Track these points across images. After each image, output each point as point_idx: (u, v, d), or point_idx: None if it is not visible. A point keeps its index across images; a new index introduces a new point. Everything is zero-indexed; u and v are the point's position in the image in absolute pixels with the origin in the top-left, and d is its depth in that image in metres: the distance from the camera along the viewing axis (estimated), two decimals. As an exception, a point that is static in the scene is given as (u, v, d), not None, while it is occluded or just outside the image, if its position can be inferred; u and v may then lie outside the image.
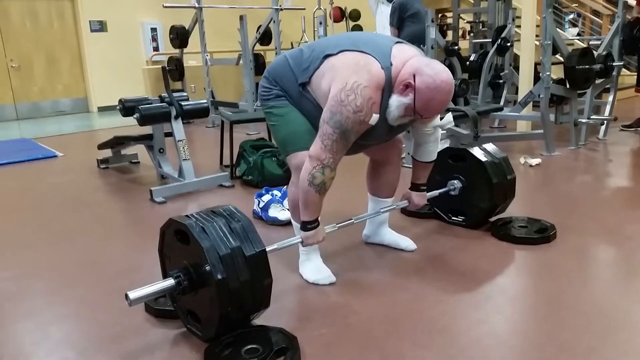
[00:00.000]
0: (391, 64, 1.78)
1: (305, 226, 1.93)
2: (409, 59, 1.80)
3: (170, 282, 1.56)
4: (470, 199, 2.54)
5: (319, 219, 1.96)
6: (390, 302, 1.90)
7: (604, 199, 3.16)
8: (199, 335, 1.63)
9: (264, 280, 1.57)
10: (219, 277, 1.47)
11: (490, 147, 2.60)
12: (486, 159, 2.49)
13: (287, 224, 2.76)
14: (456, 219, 2.65)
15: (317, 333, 1.70)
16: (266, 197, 2.89)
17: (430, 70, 1.74)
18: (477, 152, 2.52)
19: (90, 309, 1.96)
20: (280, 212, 2.81)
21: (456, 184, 2.56)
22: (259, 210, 2.89)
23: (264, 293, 1.59)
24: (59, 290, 2.13)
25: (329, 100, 1.78)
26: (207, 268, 1.48)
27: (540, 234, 2.42)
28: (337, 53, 1.84)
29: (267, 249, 1.61)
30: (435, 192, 2.50)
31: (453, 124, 2.23)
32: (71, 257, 2.48)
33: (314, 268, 2.11)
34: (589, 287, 1.99)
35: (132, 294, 1.50)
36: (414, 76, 1.74)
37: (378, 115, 1.79)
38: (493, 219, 2.60)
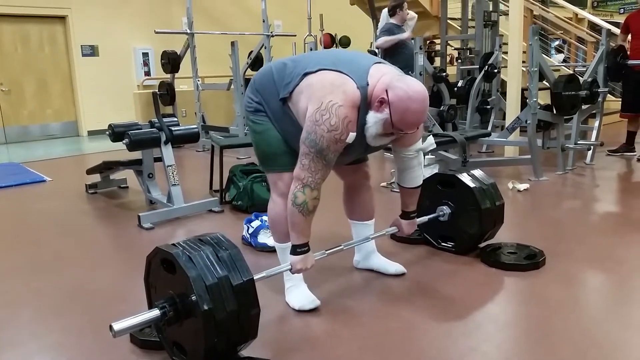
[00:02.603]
0: (367, 84, 1.82)
1: (295, 250, 1.93)
2: (382, 76, 1.83)
3: (155, 312, 1.53)
4: (460, 225, 2.55)
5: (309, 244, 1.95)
6: (380, 332, 1.88)
7: (592, 224, 3.18)
8: (185, 369, 1.59)
9: (252, 310, 1.54)
10: (205, 307, 1.44)
11: (478, 173, 2.62)
12: (475, 185, 2.50)
13: (277, 250, 2.75)
14: (446, 244, 2.65)
15: (306, 363, 1.68)
16: (255, 223, 2.88)
17: (401, 84, 1.78)
18: (465, 178, 2.54)
19: (75, 338, 1.92)
20: (269, 239, 2.79)
21: (445, 209, 2.57)
22: (248, 236, 2.87)
23: (251, 323, 1.56)
24: (44, 319, 2.09)
25: (306, 121, 1.81)
26: (193, 298, 1.46)
27: (529, 260, 2.42)
28: (316, 71, 1.86)
29: (255, 277, 1.59)
30: (425, 218, 2.51)
31: (435, 146, 2.25)
32: (58, 285, 2.44)
33: (299, 294, 2.09)
34: (579, 314, 1.98)
35: (117, 325, 1.47)
36: (387, 91, 1.77)
37: (355, 133, 1.81)
38: (482, 244, 2.60)
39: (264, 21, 6.36)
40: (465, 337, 1.82)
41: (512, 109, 4.76)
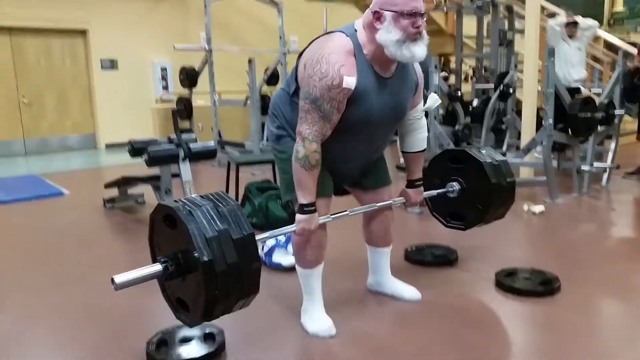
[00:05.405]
0: (355, 30, 1.88)
1: (302, 209, 1.91)
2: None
3: (157, 267, 1.53)
4: (469, 202, 2.44)
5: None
6: (394, 357, 1.86)
7: (608, 249, 3.13)
8: (187, 323, 1.60)
9: (252, 265, 1.53)
10: (205, 259, 1.43)
11: (488, 150, 2.52)
12: (485, 160, 2.40)
13: (291, 269, 2.76)
14: (455, 223, 2.54)
15: (320, 388, 1.68)
16: (270, 242, 2.87)
17: None
18: (476, 152, 2.44)
19: (91, 354, 1.92)
20: (284, 258, 2.80)
21: (455, 186, 2.46)
22: (263, 255, 2.87)
23: (252, 278, 1.54)
24: (61, 334, 2.10)
25: (302, 79, 1.87)
26: (195, 254, 1.46)
27: (544, 286, 2.38)
28: (306, 47, 1.94)
29: (257, 237, 1.58)
30: (433, 192, 2.44)
31: (440, 102, 2.26)
32: (75, 300, 2.44)
33: (315, 318, 2.08)
34: (594, 342, 1.94)
35: (118, 278, 1.47)
36: (371, 10, 1.82)
37: (354, 78, 1.81)
38: (497, 269, 2.55)
39: (280, 38, 6.44)
40: None
41: (528, 129, 4.73)
